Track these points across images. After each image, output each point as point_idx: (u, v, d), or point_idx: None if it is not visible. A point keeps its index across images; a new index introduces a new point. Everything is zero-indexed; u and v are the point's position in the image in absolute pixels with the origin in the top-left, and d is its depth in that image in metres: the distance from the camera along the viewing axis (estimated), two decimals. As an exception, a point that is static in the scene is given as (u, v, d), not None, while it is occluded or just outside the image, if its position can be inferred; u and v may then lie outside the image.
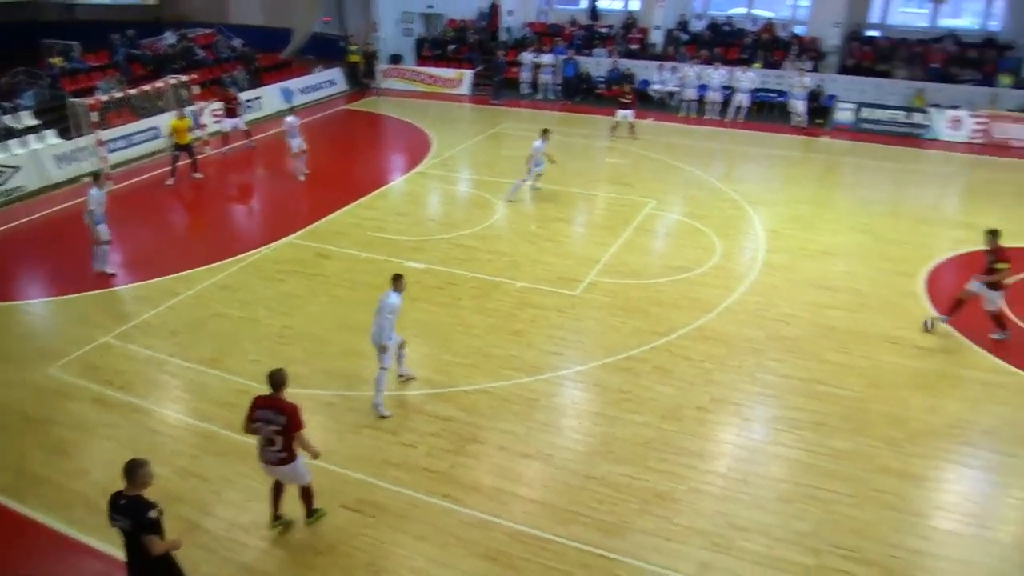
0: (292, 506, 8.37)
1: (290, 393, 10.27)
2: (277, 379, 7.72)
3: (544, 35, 30.53)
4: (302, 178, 19.33)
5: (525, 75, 29.02)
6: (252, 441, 9.29)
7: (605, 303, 13.06)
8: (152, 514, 6.32)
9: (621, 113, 23.24)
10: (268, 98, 26.80)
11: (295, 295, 13.40)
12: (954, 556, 8.04)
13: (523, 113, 26.87)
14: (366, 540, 8.20)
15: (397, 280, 9.96)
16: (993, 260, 11.87)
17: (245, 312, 12.84)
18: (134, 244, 16.01)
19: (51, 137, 20.72)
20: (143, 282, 13.97)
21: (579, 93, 28.44)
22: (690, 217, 16.93)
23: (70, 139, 20.38)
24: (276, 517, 8.31)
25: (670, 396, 10.57)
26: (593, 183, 19.05)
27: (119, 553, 7.73)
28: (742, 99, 25.69)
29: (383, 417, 10.06)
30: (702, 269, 14.35)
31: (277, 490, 8.25)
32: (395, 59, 31.42)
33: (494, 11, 31.51)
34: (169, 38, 28.30)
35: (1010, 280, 12.16)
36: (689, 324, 12.39)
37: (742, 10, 29.63)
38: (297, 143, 19.42)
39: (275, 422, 7.65)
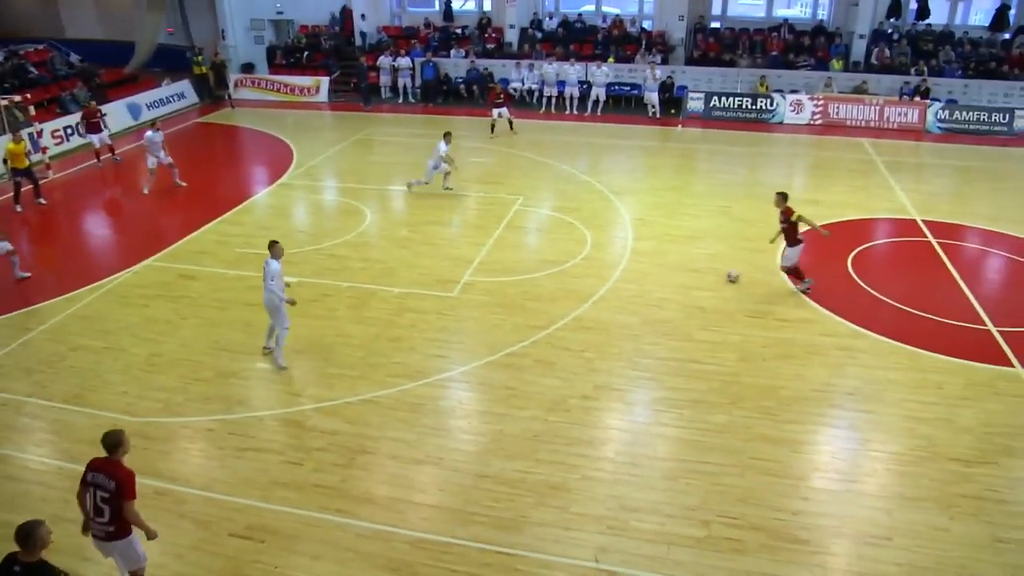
0: (178, 534, 7.96)
1: (162, 423, 9.85)
2: (111, 441, 6.84)
3: (400, 38, 30.37)
4: (146, 191, 18.60)
5: (384, 79, 28.76)
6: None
7: (483, 302, 13.14)
8: None
9: (497, 112, 23.51)
10: (114, 115, 25.27)
11: (162, 320, 12.77)
12: (831, 512, 8.58)
13: (385, 118, 26.63)
14: (260, 567, 7.93)
15: (273, 247, 10.96)
16: (784, 219, 13.19)
17: (108, 342, 12.13)
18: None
19: None
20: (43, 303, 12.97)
21: (439, 94, 28.45)
22: (559, 211, 17.27)
23: None
24: None
25: (555, 388, 10.75)
26: (461, 183, 19.13)
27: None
28: (599, 93, 26.41)
29: (282, 368, 11.22)
30: (575, 261, 14.67)
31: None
32: (247, 68, 30.46)
33: (347, 16, 31.06)
34: (-4, 56, 26.37)
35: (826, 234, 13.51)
36: (567, 316, 12.64)
37: (591, 7, 30.46)
38: (159, 159, 18.76)
39: (105, 487, 6.75)
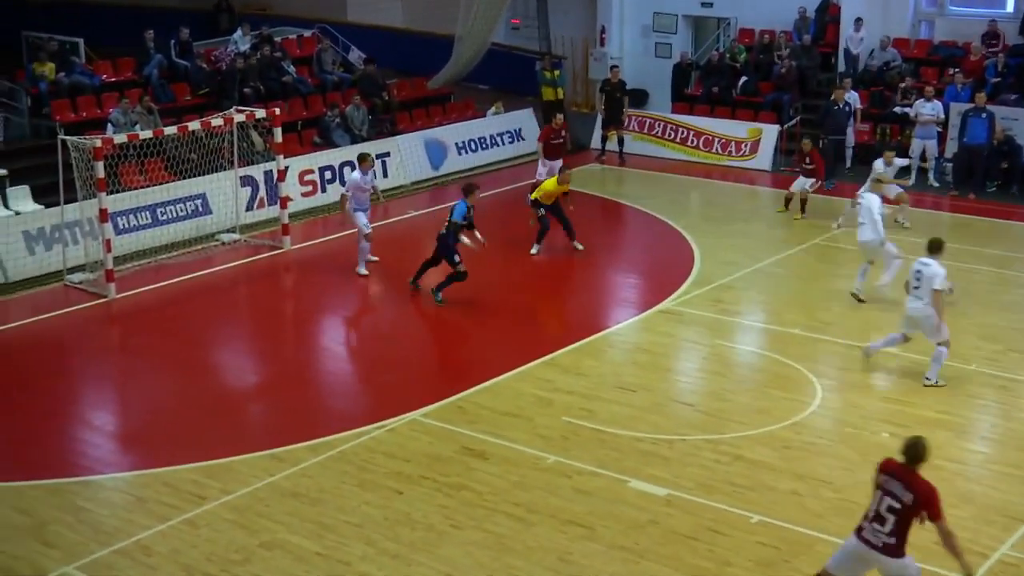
0: None
1: None
2: (917, 451, 10.85)
3: (925, 64, 30.56)
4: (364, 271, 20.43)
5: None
6: None
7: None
8: None
9: None
10: (403, 158, 27.97)
11: (421, 523, 13.48)
12: None
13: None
14: None
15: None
16: None
17: (321, 544, 13.04)
18: (133, 410, 17.04)
19: (22, 200, 22.38)
20: (148, 470, 14.61)
21: (993, 177, 27.75)
22: None
23: (55, 206, 21.71)
24: None
25: None
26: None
27: None
28: None
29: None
30: None
31: None
32: (636, 97, 32.25)
33: (828, 16, 31.82)
34: (241, 41, 30.29)
35: None
36: None
37: None
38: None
39: (898, 498, 10.67)
